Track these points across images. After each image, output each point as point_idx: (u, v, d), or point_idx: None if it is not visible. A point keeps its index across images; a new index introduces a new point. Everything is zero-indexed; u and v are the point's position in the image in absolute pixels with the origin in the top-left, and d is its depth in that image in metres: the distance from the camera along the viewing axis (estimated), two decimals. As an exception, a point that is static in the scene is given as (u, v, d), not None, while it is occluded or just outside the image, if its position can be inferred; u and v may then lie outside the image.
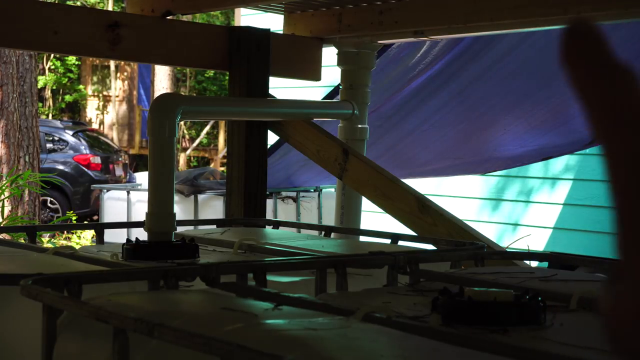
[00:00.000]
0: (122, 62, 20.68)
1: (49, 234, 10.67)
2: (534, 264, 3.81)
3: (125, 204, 9.25)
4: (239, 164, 3.93)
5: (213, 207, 8.43)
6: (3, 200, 7.57)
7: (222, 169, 16.16)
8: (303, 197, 8.09)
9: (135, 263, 2.41)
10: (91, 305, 1.51)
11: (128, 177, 14.89)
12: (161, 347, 1.44)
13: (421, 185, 6.77)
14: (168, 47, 3.77)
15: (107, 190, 9.71)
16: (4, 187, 7.53)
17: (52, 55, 20.11)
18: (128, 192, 9.39)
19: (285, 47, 4.15)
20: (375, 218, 6.60)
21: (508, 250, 5.44)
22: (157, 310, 1.60)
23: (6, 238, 2.99)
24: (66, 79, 21.53)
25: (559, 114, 5.37)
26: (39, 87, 16.52)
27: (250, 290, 1.80)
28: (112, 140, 18.63)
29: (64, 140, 14.25)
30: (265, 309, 1.60)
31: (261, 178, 3.98)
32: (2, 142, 10.36)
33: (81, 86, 22.11)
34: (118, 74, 22.12)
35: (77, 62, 21.83)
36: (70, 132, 14.43)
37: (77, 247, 2.99)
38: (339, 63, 4.17)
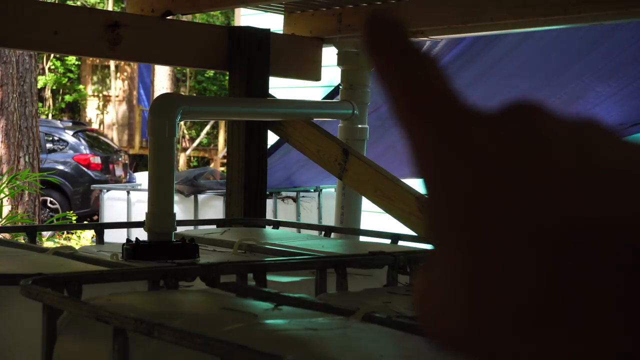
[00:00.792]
0: (122, 62, 20.68)
1: (48, 234, 10.68)
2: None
3: (125, 204, 9.25)
4: (239, 164, 3.93)
5: (213, 207, 8.43)
6: (2, 199, 7.57)
7: (222, 169, 16.16)
8: (303, 197, 8.09)
9: (135, 263, 2.42)
10: (91, 305, 1.51)
11: (128, 177, 14.89)
12: (161, 347, 1.44)
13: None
14: (168, 47, 3.77)
15: (107, 190, 9.72)
16: (2, 187, 7.53)
17: (52, 55, 20.11)
18: (128, 192, 9.39)
19: (285, 47, 4.15)
20: (375, 218, 6.60)
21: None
22: (157, 310, 1.60)
23: (6, 238, 2.99)
24: (66, 79, 21.53)
25: (559, 114, 5.37)
26: (39, 87, 16.52)
27: (250, 290, 1.80)
28: (112, 140, 18.64)
29: (64, 140, 14.25)
30: (265, 309, 1.60)
31: (261, 178, 3.98)
32: (2, 142, 10.37)
33: (81, 86, 22.11)
34: (118, 74, 22.12)
35: (77, 62, 21.83)
36: (70, 132, 14.43)
37: (77, 247, 2.99)
38: (339, 63, 4.17)
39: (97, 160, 14.16)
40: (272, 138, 4.29)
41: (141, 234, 2.98)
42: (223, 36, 3.91)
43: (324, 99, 4.98)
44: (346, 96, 4.11)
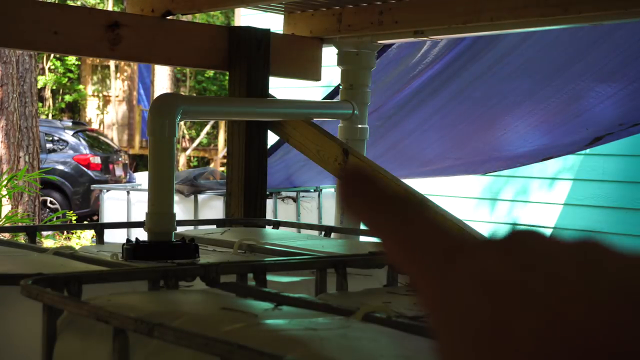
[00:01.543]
0: (122, 62, 20.68)
1: (48, 234, 10.67)
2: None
3: (125, 204, 9.25)
4: (239, 164, 3.93)
5: (213, 207, 8.42)
6: (1, 199, 7.57)
7: (222, 169, 16.16)
8: (303, 197, 8.09)
9: (135, 263, 2.41)
10: (91, 305, 1.51)
11: (128, 177, 14.89)
12: (161, 347, 1.44)
13: (421, 185, 6.77)
14: (168, 47, 3.77)
15: (107, 190, 9.71)
16: (1, 187, 7.53)
17: (52, 55, 20.10)
18: (128, 192, 9.39)
19: (285, 47, 4.15)
20: (375, 218, 6.59)
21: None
22: (157, 310, 1.60)
23: (6, 238, 2.99)
24: (66, 79, 21.53)
25: (559, 114, 5.37)
26: (39, 87, 16.52)
27: (250, 290, 1.80)
28: (112, 140, 18.63)
29: (63, 140, 14.25)
30: (265, 309, 1.60)
31: (261, 178, 3.98)
32: (2, 142, 10.36)
33: (81, 86, 22.11)
34: (118, 74, 22.12)
35: (77, 62, 21.83)
36: (70, 132, 14.43)
37: (77, 247, 2.99)
38: (339, 63, 4.17)
39: (97, 160, 14.16)
40: (272, 138, 4.29)
41: (141, 234, 2.98)
42: (223, 36, 3.91)
43: (324, 99, 4.98)
44: (346, 96, 4.11)
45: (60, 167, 13.64)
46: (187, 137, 21.13)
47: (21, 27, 3.34)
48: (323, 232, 3.28)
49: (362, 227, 3.49)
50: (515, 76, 5.10)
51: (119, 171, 14.66)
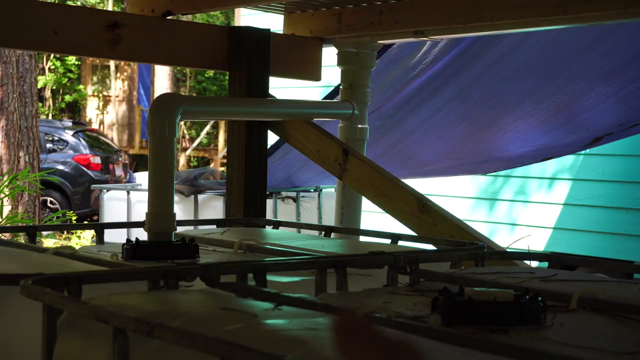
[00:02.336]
0: (122, 62, 20.67)
1: (48, 234, 10.67)
2: (534, 264, 3.81)
3: (125, 204, 9.25)
4: (239, 164, 3.93)
5: (213, 207, 8.43)
6: (2, 199, 7.57)
7: (222, 169, 16.16)
8: (303, 197, 8.09)
9: (135, 263, 2.41)
10: (91, 305, 1.51)
11: (128, 177, 14.90)
12: (161, 347, 1.44)
13: (421, 185, 6.77)
14: (168, 47, 3.77)
15: (107, 190, 9.72)
16: (2, 187, 7.53)
17: (52, 55, 20.10)
18: (128, 192, 9.39)
19: (285, 47, 4.15)
20: (375, 218, 6.60)
21: (508, 250, 5.44)
22: (157, 310, 1.60)
23: (6, 238, 2.99)
24: (66, 79, 21.53)
25: (559, 114, 5.37)
26: (39, 87, 16.51)
27: (250, 290, 1.80)
28: (112, 140, 18.63)
29: (63, 140, 14.25)
30: (265, 309, 1.60)
31: (261, 178, 3.98)
32: (2, 142, 10.36)
33: (81, 86, 22.11)
34: (118, 74, 22.12)
35: (77, 62, 21.83)
36: (70, 132, 14.43)
37: (77, 247, 2.99)
38: (339, 63, 4.17)
39: (97, 160, 14.16)
40: (272, 138, 4.29)
41: (141, 234, 2.98)
42: (223, 36, 3.91)
43: (324, 99, 4.98)
44: (346, 96, 4.11)
45: (60, 167, 13.64)
46: (187, 137, 21.13)
47: (21, 27, 3.34)
48: (323, 232, 3.28)
49: (362, 227, 3.48)
50: (515, 76, 5.10)
51: (119, 171, 14.66)
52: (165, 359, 1.47)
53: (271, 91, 4.00)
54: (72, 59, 21.37)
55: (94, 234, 4.12)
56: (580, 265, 3.03)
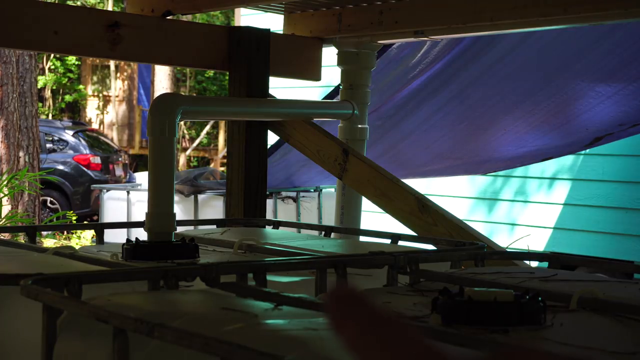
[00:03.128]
0: (122, 62, 20.67)
1: (48, 234, 10.67)
2: (534, 264, 3.81)
3: (125, 204, 9.25)
4: (239, 164, 3.93)
5: (213, 207, 8.43)
6: (1, 199, 7.57)
7: (222, 169, 16.16)
8: (303, 197, 8.09)
9: (135, 263, 2.41)
10: (91, 305, 1.51)
11: (128, 177, 14.89)
12: (161, 347, 1.44)
13: (421, 185, 6.78)
14: (168, 47, 3.77)
15: (107, 190, 9.72)
16: (2, 186, 7.53)
17: (52, 55, 20.10)
18: (128, 192, 9.39)
19: (285, 47, 4.15)
20: (375, 218, 6.60)
21: (508, 250, 5.44)
22: (157, 310, 1.60)
23: (6, 238, 2.99)
24: (66, 79, 21.53)
25: (559, 114, 5.37)
26: (39, 87, 16.51)
27: (250, 290, 1.80)
28: (112, 140, 18.63)
29: (63, 140, 14.25)
30: (265, 309, 1.60)
31: (261, 178, 3.98)
32: (2, 142, 10.36)
33: (81, 86, 22.11)
34: (118, 74, 22.12)
35: (77, 62, 21.83)
36: (70, 132, 14.43)
37: (77, 247, 2.99)
38: (339, 63, 4.17)
39: (97, 160, 14.16)
40: (272, 138, 4.29)
41: (141, 234, 2.98)
42: (223, 36, 3.91)
43: (324, 99, 4.98)
44: (346, 96, 4.11)
45: (60, 167, 13.64)
46: (187, 137, 21.13)
47: (21, 27, 3.34)
48: (323, 232, 3.27)
49: (362, 226, 3.48)
50: (515, 76, 5.10)
51: (119, 171, 14.66)
52: (165, 359, 1.47)
53: (271, 91, 4.00)
54: (72, 59, 21.37)
55: (94, 234, 4.12)
56: (580, 265, 3.03)
